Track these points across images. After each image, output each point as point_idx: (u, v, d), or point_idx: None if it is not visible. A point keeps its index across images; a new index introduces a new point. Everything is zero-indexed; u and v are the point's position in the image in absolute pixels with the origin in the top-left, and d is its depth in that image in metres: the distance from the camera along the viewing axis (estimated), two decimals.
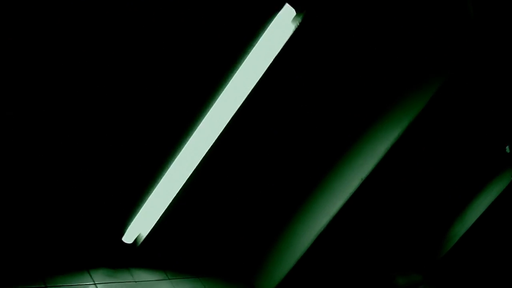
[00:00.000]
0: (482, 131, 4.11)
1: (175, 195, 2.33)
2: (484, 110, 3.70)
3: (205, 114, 2.10)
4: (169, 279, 2.56)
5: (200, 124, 2.11)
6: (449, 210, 5.72)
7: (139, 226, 2.35)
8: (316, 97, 2.60)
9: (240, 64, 1.94)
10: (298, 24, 1.87)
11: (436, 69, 2.68)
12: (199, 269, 2.82)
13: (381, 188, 3.22)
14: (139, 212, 2.31)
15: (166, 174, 2.22)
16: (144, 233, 2.41)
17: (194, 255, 2.82)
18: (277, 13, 1.87)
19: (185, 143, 2.17)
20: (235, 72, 1.96)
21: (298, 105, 2.53)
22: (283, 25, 1.89)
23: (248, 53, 1.91)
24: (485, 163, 5.10)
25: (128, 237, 2.35)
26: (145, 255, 2.52)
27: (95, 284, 2.16)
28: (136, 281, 2.37)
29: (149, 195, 2.27)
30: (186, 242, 2.71)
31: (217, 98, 2.07)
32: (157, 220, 2.39)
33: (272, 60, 1.95)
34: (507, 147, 4.59)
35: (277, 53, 1.94)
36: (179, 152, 2.19)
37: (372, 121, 2.93)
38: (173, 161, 2.21)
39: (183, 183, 2.30)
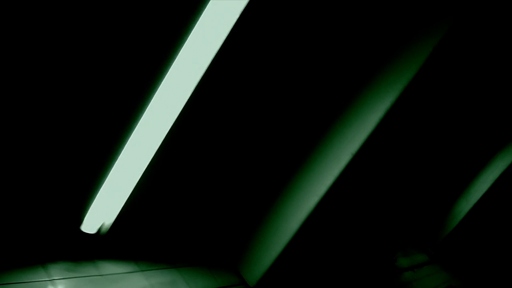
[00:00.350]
0: (488, 98, 3.80)
1: (142, 173, 2.07)
2: (492, 73, 3.38)
3: (170, 70, 1.83)
4: (141, 270, 2.33)
5: (167, 78, 1.84)
6: (453, 186, 5.47)
7: (102, 212, 2.10)
8: (293, 61, 2.31)
9: (195, 24, 1.65)
10: None
11: (434, 19, 2.37)
12: (177, 257, 2.59)
13: (375, 164, 2.95)
14: (100, 196, 2.06)
15: (125, 148, 1.95)
16: (109, 220, 2.16)
17: (170, 242, 2.58)
18: None
19: (149, 105, 1.89)
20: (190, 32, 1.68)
21: (272, 70, 2.25)
22: None
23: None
24: (491, 136, 4.81)
25: (89, 225, 2.11)
26: (112, 245, 2.28)
27: (52, 280, 1.93)
28: (102, 275, 2.13)
29: (110, 173, 2.02)
30: (160, 228, 2.47)
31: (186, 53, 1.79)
32: (123, 204, 2.15)
33: (239, 13, 1.66)
34: None
35: (243, 7, 1.65)
36: (143, 116, 1.90)
37: (361, 88, 2.64)
38: (135, 128, 1.93)
39: (150, 159, 2.04)
